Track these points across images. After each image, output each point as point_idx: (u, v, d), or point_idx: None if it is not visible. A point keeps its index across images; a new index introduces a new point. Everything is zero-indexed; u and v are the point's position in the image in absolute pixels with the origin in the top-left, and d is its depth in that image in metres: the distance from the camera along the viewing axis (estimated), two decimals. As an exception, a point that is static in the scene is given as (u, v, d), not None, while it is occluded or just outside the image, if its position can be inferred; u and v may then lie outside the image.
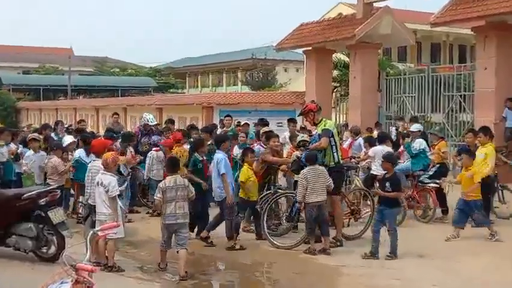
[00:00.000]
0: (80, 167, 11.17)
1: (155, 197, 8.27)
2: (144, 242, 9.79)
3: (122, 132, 14.51)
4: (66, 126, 18.13)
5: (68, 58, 52.55)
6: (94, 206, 8.20)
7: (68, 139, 12.34)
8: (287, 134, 12.87)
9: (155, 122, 14.64)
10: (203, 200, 9.88)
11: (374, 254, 8.48)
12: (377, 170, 11.20)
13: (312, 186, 8.76)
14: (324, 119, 9.35)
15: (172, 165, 8.42)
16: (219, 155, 9.35)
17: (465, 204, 9.55)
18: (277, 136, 10.80)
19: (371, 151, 11.66)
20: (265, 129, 11.67)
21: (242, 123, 14.86)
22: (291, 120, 13.35)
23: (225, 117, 15.32)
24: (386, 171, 8.82)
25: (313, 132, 9.48)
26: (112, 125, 16.67)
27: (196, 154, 9.88)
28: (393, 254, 8.49)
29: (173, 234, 8.01)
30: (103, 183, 7.96)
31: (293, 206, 9.37)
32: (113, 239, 7.81)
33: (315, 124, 9.37)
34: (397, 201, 8.78)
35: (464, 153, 9.84)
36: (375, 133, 15.95)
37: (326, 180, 8.79)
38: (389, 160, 8.85)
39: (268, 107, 21.18)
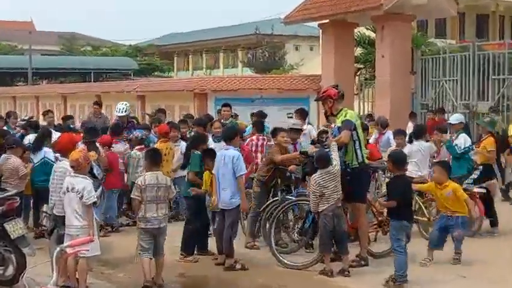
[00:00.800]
0: (36, 168, 11.23)
1: (132, 196, 8.54)
2: (123, 260, 9.78)
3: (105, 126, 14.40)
4: (26, 118, 18.12)
5: (28, 34, 52.57)
6: (61, 217, 8.20)
7: (55, 135, 12.09)
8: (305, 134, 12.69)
9: (124, 113, 14.42)
10: (204, 209, 9.85)
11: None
12: (413, 171, 11.19)
13: (328, 193, 8.77)
14: (344, 109, 9.30)
15: (153, 159, 8.67)
16: (234, 152, 9.33)
17: (448, 221, 9.48)
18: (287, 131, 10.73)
19: (407, 148, 11.66)
20: (291, 123, 11.55)
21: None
22: (299, 112, 13.20)
23: (222, 106, 15.21)
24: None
25: (332, 125, 9.45)
26: (92, 117, 16.49)
27: (197, 152, 9.87)
28: (395, 279, 8.31)
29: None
30: (74, 188, 7.98)
31: (306, 217, 9.37)
32: (85, 257, 7.80)
33: (333, 115, 9.33)
34: (399, 212, 8.48)
35: (435, 166, 9.80)
36: (409, 125, 15.91)
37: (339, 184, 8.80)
38: (393, 159, 8.76)
39: (276, 94, 21.15)
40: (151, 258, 8.42)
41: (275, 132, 10.60)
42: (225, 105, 14.94)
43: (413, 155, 11.39)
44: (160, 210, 8.39)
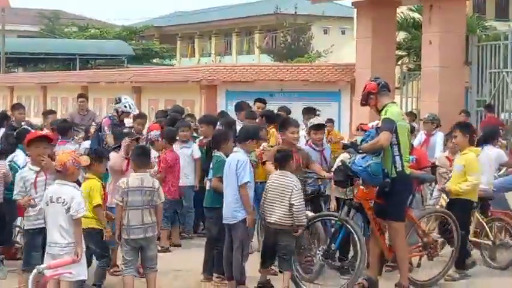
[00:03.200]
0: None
1: (115, 200, 8.91)
2: (115, 286, 9.83)
3: (94, 124, 14.32)
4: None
5: (0, 11, 52.86)
6: (38, 231, 8.30)
7: None
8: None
9: (135, 112, 14.33)
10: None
11: None
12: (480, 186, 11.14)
13: (269, 201, 9.10)
14: (389, 105, 9.25)
15: (141, 157, 9.01)
16: (240, 156, 9.38)
17: None
18: (298, 125, 10.68)
19: None
20: (316, 120, 11.48)
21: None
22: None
23: (255, 102, 14.84)
24: None
25: (369, 125, 9.44)
26: (76, 114, 16.34)
27: (219, 154, 9.90)
28: None
29: (139, 253, 8.75)
30: (60, 198, 8.00)
31: (333, 236, 9.36)
32: (70, 281, 7.84)
33: (379, 111, 9.28)
34: None
35: None
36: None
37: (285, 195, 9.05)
38: None
39: (300, 87, 21.13)
40: (132, 276, 8.71)
41: (284, 125, 10.50)
42: (258, 100, 14.64)
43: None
44: (146, 217, 8.67)
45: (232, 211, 9.29)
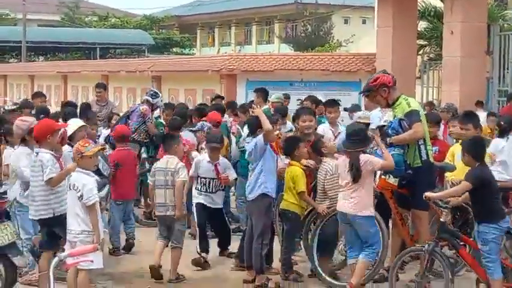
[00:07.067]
0: None
1: (148, 181, 10.11)
2: (131, 275, 9.83)
3: (113, 115, 14.36)
4: (14, 102, 18.10)
5: (22, 0, 53.09)
6: (57, 218, 8.37)
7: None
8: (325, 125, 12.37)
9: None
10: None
11: None
12: (496, 172, 11.03)
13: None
14: (403, 97, 9.25)
15: (166, 142, 9.91)
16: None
17: None
18: (312, 114, 10.61)
19: (494, 143, 11.50)
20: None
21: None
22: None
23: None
24: None
25: (381, 116, 9.39)
26: (94, 105, 16.28)
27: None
28: None
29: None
30: (75, 185, 8.06)
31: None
32: (88, 269, 7.87)
33: (389, 105, 9.28)
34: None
35: None
36: (481, 114, 15.73)
37: None
38: None
39: (320, 77, 21.10)
40: (166, 245, 9.55)
41: (297, 114, 10.44)
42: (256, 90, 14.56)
43: (501, 155, 11.17)
44: (168, 196, 9.49)
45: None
